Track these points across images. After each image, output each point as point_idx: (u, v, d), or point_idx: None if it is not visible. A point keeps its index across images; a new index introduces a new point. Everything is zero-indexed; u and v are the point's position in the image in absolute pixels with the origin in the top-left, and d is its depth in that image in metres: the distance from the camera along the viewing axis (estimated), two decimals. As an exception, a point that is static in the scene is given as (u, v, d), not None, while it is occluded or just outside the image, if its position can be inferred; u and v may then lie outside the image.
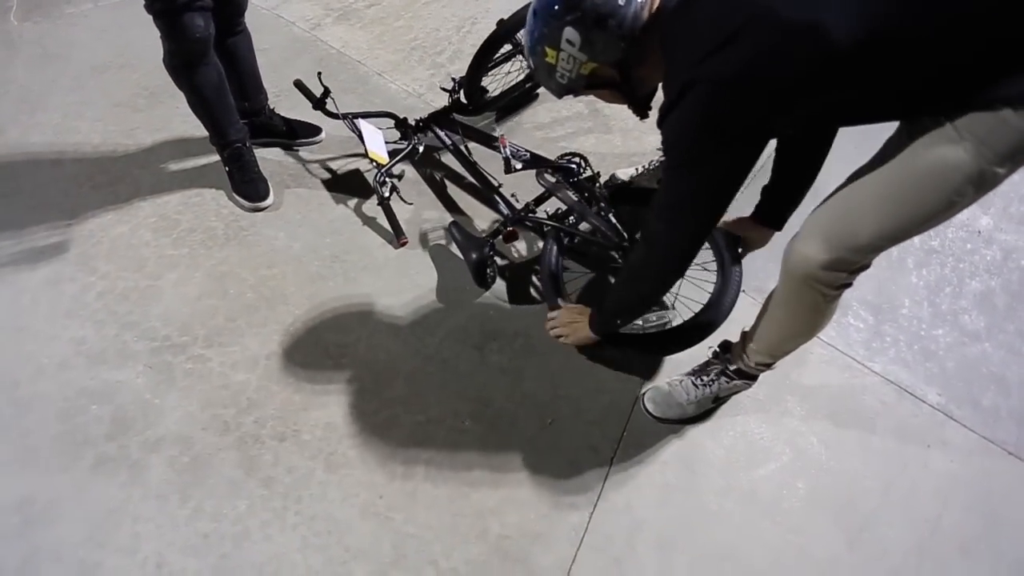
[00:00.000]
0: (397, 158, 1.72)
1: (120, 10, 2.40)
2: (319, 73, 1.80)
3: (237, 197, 1.76)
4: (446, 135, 1.80)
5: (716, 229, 1.45)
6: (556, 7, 0.97)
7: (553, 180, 1.61)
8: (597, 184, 1.61)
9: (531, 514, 1.26)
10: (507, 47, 1.86)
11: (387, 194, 1.63)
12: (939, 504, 1.33)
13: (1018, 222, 1.89)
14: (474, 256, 1.50)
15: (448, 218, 1.77)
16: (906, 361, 1.56)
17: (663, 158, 1.02)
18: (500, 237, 1.59)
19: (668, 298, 1.59)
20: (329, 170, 1.89)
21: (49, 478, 1.27)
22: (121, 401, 1.38)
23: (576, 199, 1.57)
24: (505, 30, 1.71)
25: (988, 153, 0.75)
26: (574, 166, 1.63)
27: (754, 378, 1.34)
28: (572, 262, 1.65)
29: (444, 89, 1.86)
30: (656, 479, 1.33)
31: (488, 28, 2.38)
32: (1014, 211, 1.92)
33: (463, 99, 1.85)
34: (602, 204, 1.55)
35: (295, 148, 1.95)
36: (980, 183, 0.79)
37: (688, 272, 1.25)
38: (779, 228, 1.41)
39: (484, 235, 1.61)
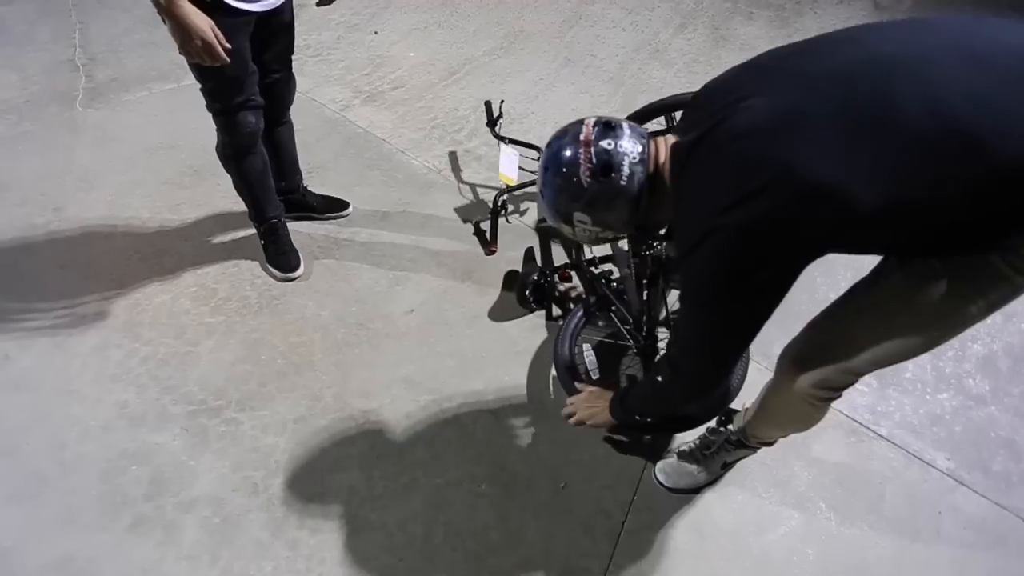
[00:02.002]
0: (523, 183, 2.01)
1: (171, 96, 2.66)
2: (501, 101, 2.15)
3: (271, 268, 1.91)
4: None
5: None
6: (561, 199, 1.01)
7: (622, 246, 1.69)
8: (661, 262, 1.59)
9: (545, 579, 1.30)
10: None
11: (500, 207, 1.96)
12: (955, 575, 1.34)
13: (1016, 286, 1.94)
14: (522, 278, 1.76)
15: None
16: (912, 425, 1.60)
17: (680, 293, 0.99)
18: (556, 273, 1.82)
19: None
20: (356, 242, 2.04)
21: (89, 537, 1.34)
22: (159, 462, 1.47)
23: (628, 270, 1.61)
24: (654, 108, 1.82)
25: (976, 296, 0.82)
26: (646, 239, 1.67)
27: (755, 449, 1.38)
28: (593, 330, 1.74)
29: None
30: (667, 544, 1.36)
31: (503, 107, 2.59)
32: (1012, 275, 1.98)
33: None
34: (654, 286, 1.58)
35: (325, 221, 2.11)
36: (966, 319, 0.86)
37: None
38: None
39: (545, 268, 1.82)
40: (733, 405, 1.42)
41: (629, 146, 0.96)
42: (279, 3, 1.50)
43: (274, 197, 1.86)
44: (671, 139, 0.97)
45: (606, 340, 1.75)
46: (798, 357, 1.05)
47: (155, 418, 1.56)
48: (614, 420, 1.29)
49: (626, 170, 0.95)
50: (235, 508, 1.39)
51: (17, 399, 1.58)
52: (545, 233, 2.03)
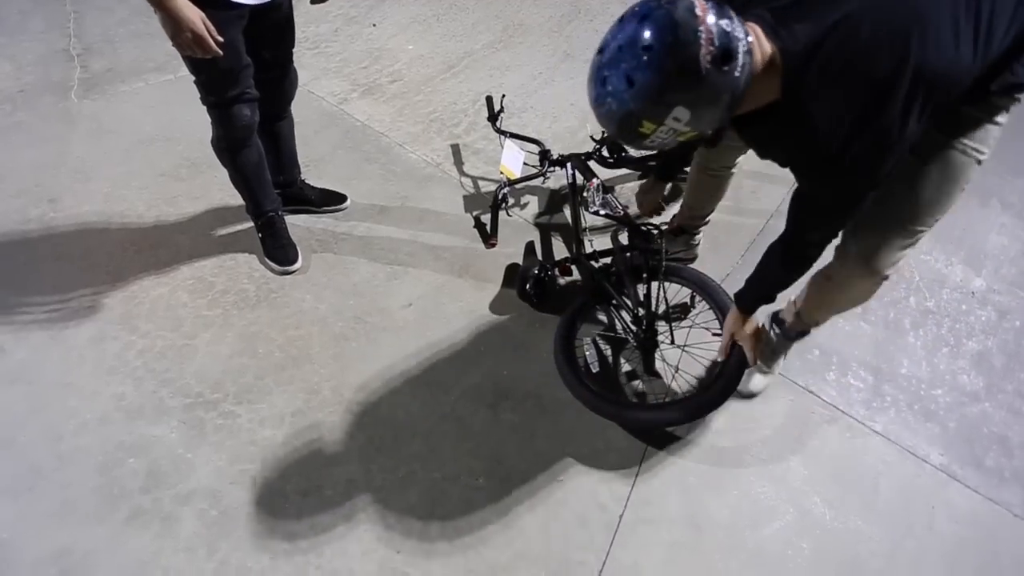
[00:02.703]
0: (524, 176, 2.02)
1: (168, 87, 2.64)
2: (502, 96, 2.19)
3: (268, 261, 1.90)
4: (575, 173, 1.97)
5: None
6: (668, 84, 0.84)
7: (622, 241, 1.73)
8: (661, 257, 1.62)
9: (541, 571, 1.30)
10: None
11: (500, 200, 1.96)
12: (947, 569, 1.35)
13: (1010, 283, 1.96)
14: (522, 271, 1.76)
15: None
16: (907, 421, 1.61)
17: (801, 169, 1.05)
18: (556, 267, 1.82)
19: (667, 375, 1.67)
20: (354, 236, 2.04)
21: (86, 530, 1.34)
22: (156, 455, 1.47)
23: (627, 265, 1.66)
24: None
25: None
26: (646, 233, 1.72)
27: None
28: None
29: (592, 138, 2.06)
30: (663, 537, 1.37)
31: (503, 102, 2.58)
32: (1005, 272, 2.00)
33: (604, 152, 2.04)
34: (653, 279, 1.61)
35: (322, 214, 2.10)
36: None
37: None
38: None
39: (545, 261, 1.82)
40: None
41: (741, 32, 0.85)
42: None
43: (271, 190, 1.86)
44: (763, 38, 0.91)
45: (605, 333, 1.75)
46: (866, 251, 1.21)
47: (152, 411, 1.56)
48: (756, 322, 1.39)
49: (740, 59, 0.84)
50: (233, 501, 1.39)
51: (13, 391, 1.58)
52: (545, 227, 2.03)
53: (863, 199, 1.05)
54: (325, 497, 1.41)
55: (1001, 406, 1.66)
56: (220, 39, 1.35)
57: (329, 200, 2.09)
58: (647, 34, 0.83)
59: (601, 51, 0.89)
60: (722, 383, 1.46)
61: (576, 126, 2.49)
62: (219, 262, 1.93)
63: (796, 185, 1.11)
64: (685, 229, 1.90)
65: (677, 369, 1.65)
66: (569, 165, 1.98)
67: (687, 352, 1.66)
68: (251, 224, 1.94)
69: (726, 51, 0.82)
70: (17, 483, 1.41)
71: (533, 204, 2.16)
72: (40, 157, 2.27)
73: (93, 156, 2.31)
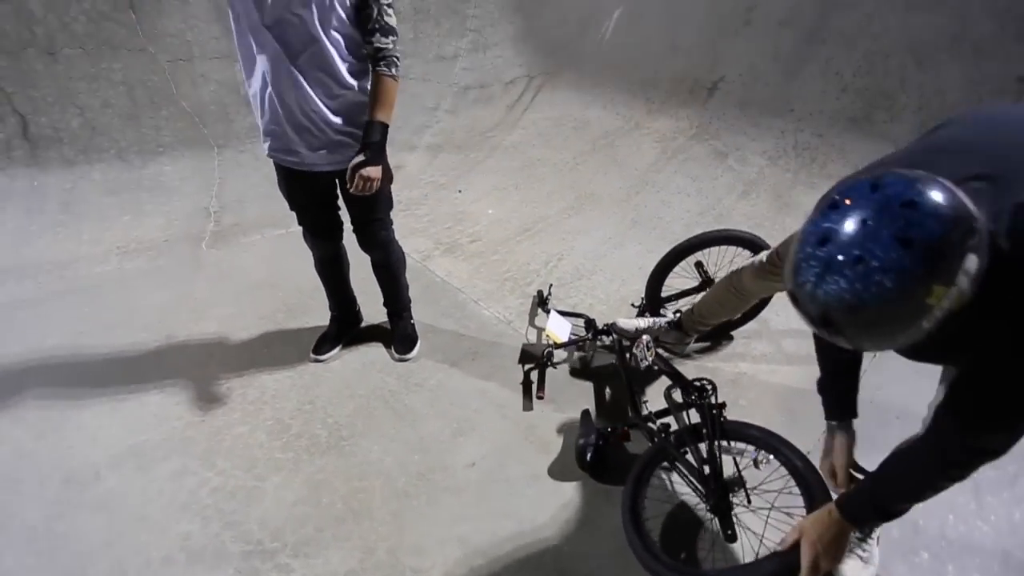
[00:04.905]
0: (571, 341, 2.13)
1: (279, 240, 3.05)
2: (551, 285, 2.47)
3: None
4: (621, 341, 2.08)
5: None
6: (956, 228, 0.75)
7: (677, 399, 1.72)
8: (716, 413, 1.62)
9: None
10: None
11: (546, 361, 2.07)
12: None
13: None
14: (581, 441, 1.73)
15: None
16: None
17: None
18: (615, 434, 1.77)
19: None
20: (425, 388, 2.12)
21: None
22: (208, 608, 1.45)
23: (688, 423, 1.65)
24: (674, 254, 2.10)
25: None
26: (701, 388, 1.70)
27: None
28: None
29: (633, 305, 2.28)
30: None
31: (573, 263, 2.76)
32: None
33: (644, 313, 2.19)
34: (715, 436, 1.57)
35: (397, 363, 2.22)
36: None
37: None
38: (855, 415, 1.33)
39: (603, 429, 1.78)
40: None
41: None
42: (310, 166, 1.84)
43: (339, 304, 2.27)
44: None
45: (675, 498, 1.64)
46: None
47: (212, 555, 1.57)
48: (850, 529, 1.18)
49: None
50: (273, 672, 1.32)
51: (95, 520, 1.66)
52: (600, 387, 2.04)
53: None
54: None
55: None
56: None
57: (398, 346, 2.25)
58: (904, 191, 0.76)
59: (823, 241, 0.78)
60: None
61: (642, 289, 2.59)
62: (298, 405, 2.05)
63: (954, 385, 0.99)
64: (684, 327, 1.91)
65: (761, 536, 1.48)
66: (615, 333, 2.08)
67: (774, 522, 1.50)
68: (331, 372, 2.16)
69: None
70: (76, 624, 1.42)
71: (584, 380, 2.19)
72: (168, 297, 2.63)
73: (209, 297, 2.63)
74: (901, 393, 1.82)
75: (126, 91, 3.38)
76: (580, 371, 2.17)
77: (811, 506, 1.38)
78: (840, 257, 0.76)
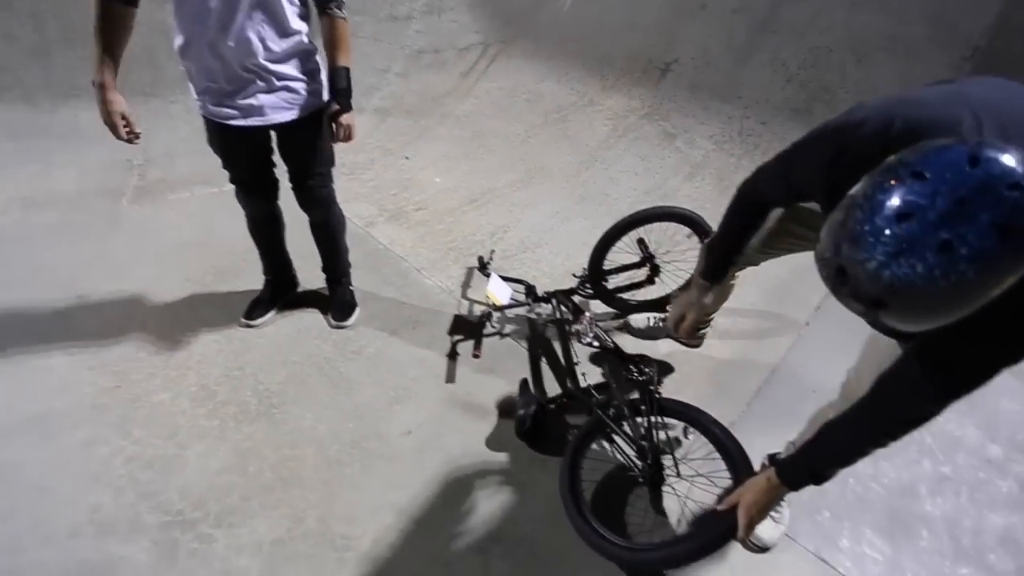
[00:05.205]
0: (510, 305, 2.13)
1: (211, 199, 2.85)
2: (492, 251, 2.45)
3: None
4: (559, 308, 2.10)
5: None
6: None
7: (615, 374, 1.75)
8: (654, 390, 1.66)
9: None
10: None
11: (486, 320, 2.09)
12: None
13: (1029, 456, 1.89)
14: (521, 412, 1.73)
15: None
16: (934, 609, 1.47)
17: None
18: (553, 405, 1.80)
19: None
20: (363, 356, 2.06)
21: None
22: (119, 580, 1.37)
23: (626, 398, 1.67)
24: (617, 228, 2.10)
25: None
26: (639, 365, 1.75)
27: None
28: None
29: (575, 275, 2.24)
30: None
31: (519, 236, 2.75)
32: (1021, 440, 1.93)
33: (585, 286, 2.19)
34: (651, 412, 1.61)
35: (334, 330, 2.15)
36: None
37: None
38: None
39: (542, 399, 1.79)
40: None
41: None
42: (248, 123, 1.71)
43: (274, 265, 2.17)
44: None
45: (610, 469, 1.68)
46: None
47: (126, 527, 1.48)
48: (786, 492, 1.22)
49: None
50: (190, 643, 1.27)
51: (-11, 492, 1.53)
52: (537, 362, 2.05)
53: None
54: (290, 648, 1.28)
55: (1037, 599, 1.52)
56: (137, 131, 1.68)
57: (336, 313, 2.17)
58: (1011, 172, 0.67)
59: (905, 217, 0.69)
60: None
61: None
62: (226, 371, 1.95)
63: (904, 358, 1.01)
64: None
65: (685, 500, 1.57)
66: (555, 300, 2.10)
67: (698, 487, 1.58)
68: (264, 336, 2.06)
69: None
70: (-35, 600, 1.31)
71: (523, 343, 2.21)
72: (80, 255, 2.41)
73: (129, 257, 2.44)
74: (818, 369, 1.94)
75: (34, 24, 3.02)
76: (522, 339, 2.17)
77: (735, 474, 1.46)
78: (926, 239, 0.68)
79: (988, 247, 0.66)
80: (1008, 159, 0.68)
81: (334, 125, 1.75)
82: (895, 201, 0.70)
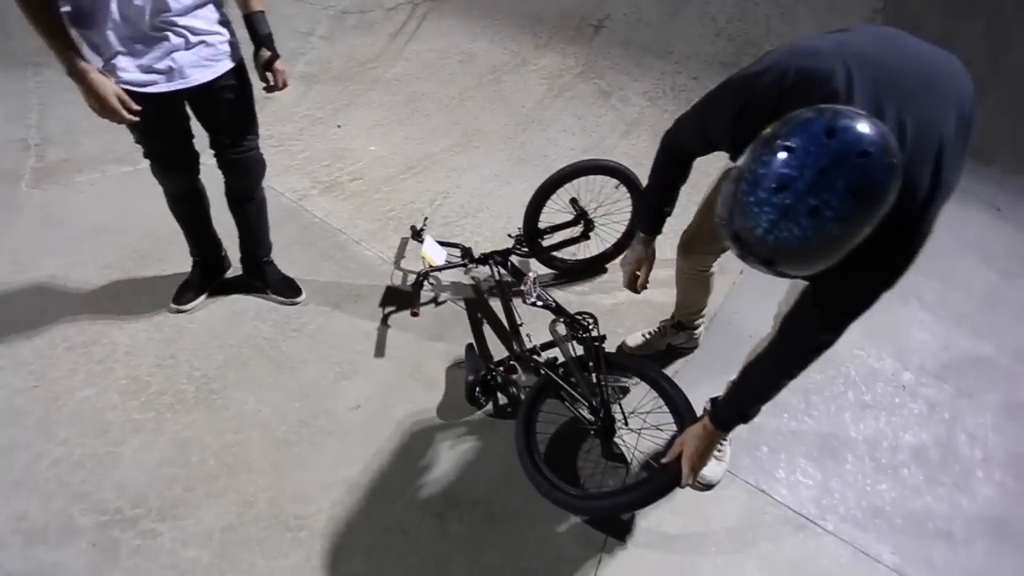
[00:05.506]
0: (446, 266, 2.10)
1: (125, 179, 2.63)
2: (425, 219, 2.37)
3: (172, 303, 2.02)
4: (497, 270, 2.09)
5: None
6: (894, 175, 0.81)
7: (562, 332, 1.76)
8: (600, 345, 1.70)
9: None
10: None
11: (422, 280, 2.04)
12: None
13: (935, 376, 2.08)
14: (471, 377, 1.70)
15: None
16: (856, 519, 1.62)
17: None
18: (502, 368, 1.78)
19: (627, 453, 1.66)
20: (304, 334, 2.00)
21: None
22: (56, 586, 1.31)
23: (574, 355, 1.70)
24: (547, 186, 2.10)
25: None
26: (584, 322, 1.76)
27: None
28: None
29: (510, 235, 2.21)
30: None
31: (459, 201, 2.70)
32: (930, 366, 2.13)
33: (521, 245, 2.18)
34: (599, 368, 1.65)
35: (277, 306, 2.07)
36: None
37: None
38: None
39: (490, 363, 1.78)
40: None
41: None
42: (171, 87, 1.56)
43: (202, 245, 2.03)
44: None
45: (564, 425, 1.73)
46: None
47: (58, 532, 1.41)
48: (721, 435, 1.31)
49: None
50: (141, 639, 1.24)
51: None
52: (477, 323, 2.07)
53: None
54: (250, 630, 1.27)
55: (942, 499, 1.70)
56: (136, 108, 1.51)
57: (284, 290, 2.08)
58: (859, 141, 0.78)
59: (781, 189, 0.80)
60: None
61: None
62: (158, 360, 1.84)
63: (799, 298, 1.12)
64: (685, 325, 1.97)
65: (632, 457, 1.65)
66: (491, 262, 2.11)
67: (646, 437, 1.67)
68: (196, 323, 1.94)
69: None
70: None
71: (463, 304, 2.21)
72: (-25, 247, 2.19)
73: (34, 246, 2.24)
74: (752, 316, 2.04)
75: None
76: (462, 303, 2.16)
77: (680, 423, 1.53)
78: (798, 207, 0.79)
79: (847, 208, 0.79)
80: (859, 127, 0.79)
81: (269, 74, 1.65)
82: (772, 174, 0.81)
